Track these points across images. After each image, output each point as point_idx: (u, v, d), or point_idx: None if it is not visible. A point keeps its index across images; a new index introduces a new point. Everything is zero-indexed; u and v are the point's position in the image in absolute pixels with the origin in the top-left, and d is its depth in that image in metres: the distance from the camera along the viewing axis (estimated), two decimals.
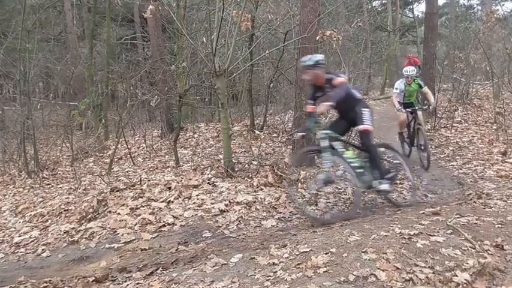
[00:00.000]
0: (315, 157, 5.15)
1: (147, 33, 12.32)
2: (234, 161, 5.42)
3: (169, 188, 4.54)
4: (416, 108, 6.40)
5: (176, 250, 3.34)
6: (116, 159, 7.81)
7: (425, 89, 6.50)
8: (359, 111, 3.89)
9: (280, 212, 4.03)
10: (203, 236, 3.58)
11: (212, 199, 4.22)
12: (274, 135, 8.71)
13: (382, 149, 4.29)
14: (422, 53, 11.28)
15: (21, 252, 3.80)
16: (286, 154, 6.61)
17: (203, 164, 6.32)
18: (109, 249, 3.50)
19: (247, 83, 9.57)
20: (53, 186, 6.59)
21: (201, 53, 5.97)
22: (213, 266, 2.65)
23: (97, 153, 8.74)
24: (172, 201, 4.22)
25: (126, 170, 7.28)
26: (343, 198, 4.54)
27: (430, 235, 2.64)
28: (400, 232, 2.71)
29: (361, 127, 3.89)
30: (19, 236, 4.14)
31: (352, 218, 3.54)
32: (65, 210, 4.68)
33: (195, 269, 2.68)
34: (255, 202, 4.16)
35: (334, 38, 4.92)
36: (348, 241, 2.64)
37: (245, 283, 2.33)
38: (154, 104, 7.83)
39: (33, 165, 7.33)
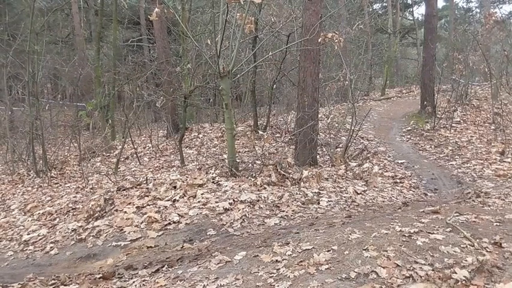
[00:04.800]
0: None
1: (152, 36, 12.44)
2: (238, 160, 5.47)
3: (175, 187, 4.58)
4: None
5: (181, 248, 3.39)
6: (122, 159, 7.89)
7: None
8: None
9: (283, 211, 4.06)
10: (208, 234, 3.62)
11: (216, 198, 4.25)
12: (277, 135, 8.77)
13: None
14: (422, 54, 11.28)
15: (29, 250, 3.88)
16: (289, 154, 6.66)
17: (208, 164, 6.39)
18: (116, 247, 3.55)
19: (251, 84, 9.63)
20: (61, 185, 6.67)
21: (206, 55, 6.04)
22: (218, 264, 2.69)
23: (104, 153, 8.83)
24: (178, 200, 4.26)
25: (132, 169, 7.35)
26: (344, 197, 4.58)
27: (430, 233, 2.67)
28: (401, 230, 2.74)
29: None
30: (28, 234, 4.22)
31: None
32: (72, 209, 4.75)
33: (199, 266, 2.73)
34: (258, 201, 4.19)
35: (336, 40, 4.95)
36: (349, 239, 2.67)
37: (249, 280, 2.37)
38: (160, 104, 7.92)
39: (41, 165, 7.42)
